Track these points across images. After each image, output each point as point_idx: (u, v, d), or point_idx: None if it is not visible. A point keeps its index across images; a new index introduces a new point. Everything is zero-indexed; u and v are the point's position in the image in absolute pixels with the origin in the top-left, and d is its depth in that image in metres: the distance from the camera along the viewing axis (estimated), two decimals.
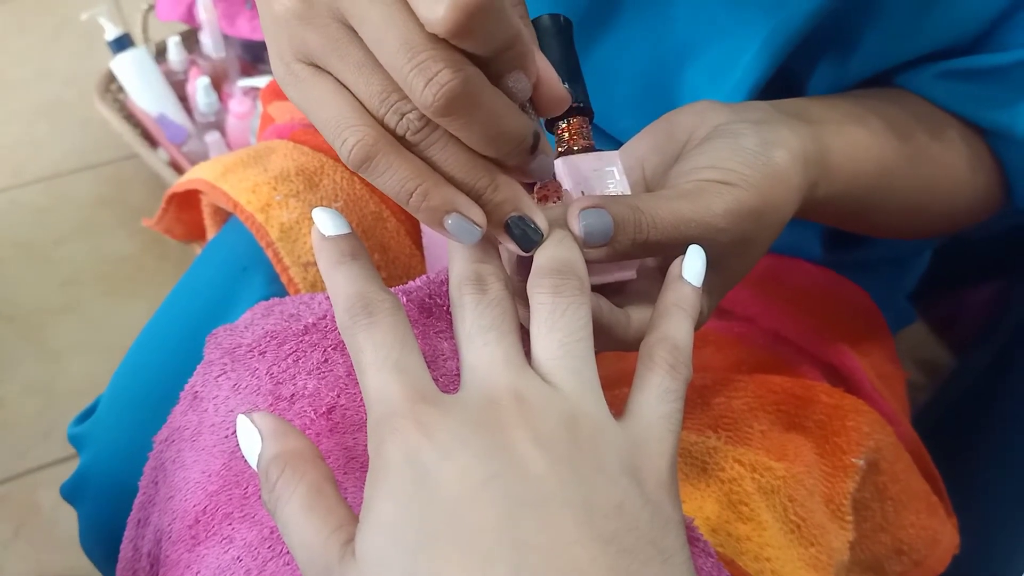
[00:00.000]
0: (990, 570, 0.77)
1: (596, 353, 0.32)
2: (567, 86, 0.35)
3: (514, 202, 0.32)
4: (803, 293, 0.58)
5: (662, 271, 0.35)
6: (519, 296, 0.34)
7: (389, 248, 0.55)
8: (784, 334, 0.56)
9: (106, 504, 0.47)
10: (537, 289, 0.31)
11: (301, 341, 0.36)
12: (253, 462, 0.29)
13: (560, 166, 0.37)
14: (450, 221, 0.31)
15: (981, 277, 1.04)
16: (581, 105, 0.38)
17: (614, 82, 0.51)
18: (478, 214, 0.31)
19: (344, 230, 0.32)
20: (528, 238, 0.32)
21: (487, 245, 0.33)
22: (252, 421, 0.29)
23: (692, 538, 0.40)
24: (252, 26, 1.27)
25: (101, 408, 0.52)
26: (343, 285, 0.30)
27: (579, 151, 0.38)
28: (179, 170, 1.26)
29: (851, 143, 0.43)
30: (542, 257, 0.32)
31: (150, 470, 0.39)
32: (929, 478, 0.59)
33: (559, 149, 0.39)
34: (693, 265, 0.34)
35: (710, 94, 0.50)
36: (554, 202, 0.35)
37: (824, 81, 0.50)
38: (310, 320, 0.36)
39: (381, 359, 0.28)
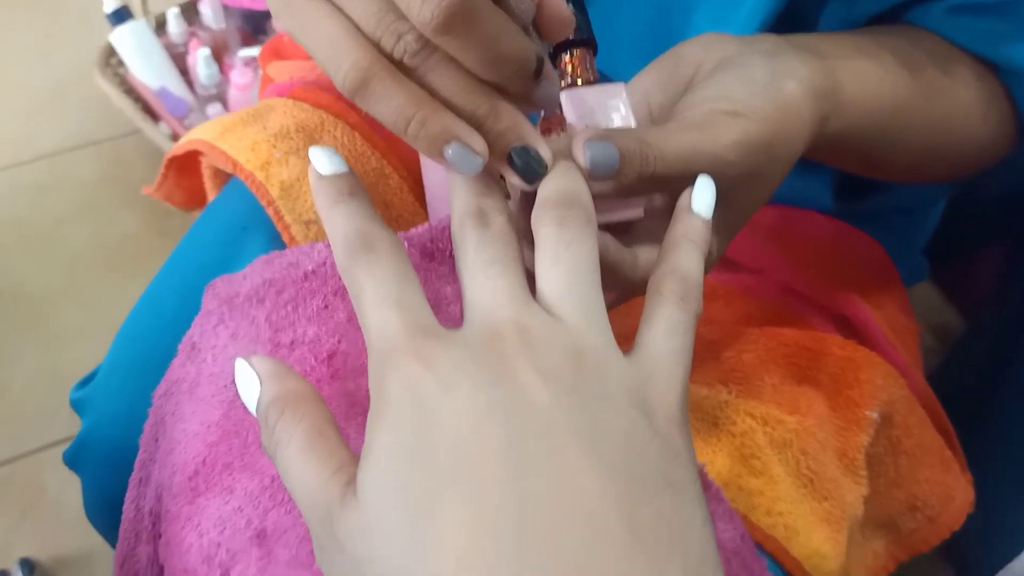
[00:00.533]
0: (1004, 533, 0.76)
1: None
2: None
3: (516, 131, 0.31)
4: (814, 244, 0.57)
5: (670, 211, 0.34)
6: (524, 236, 0.33)
7: (392, 205, 0.54)
8: (795, 286, 0.55)
9: (109, 468, 0.47)
10: (541, 221, 0.30)
11: (300, 288, 0.35)
12: (252, 406, 0.28)
13: (564, 99, 0.36)
14: (450, 150, 0.30)
15: (992, 239, 1.03)
16: (585, 37, 0.37)
17: (619, 30, 0.50)
18: (479, 142, 0.30)
19: (341, 168, 0.31)
20: (532, 169, 0.31)
21: (489, 181, 0.32)
22: (250, 365, 0.28)
23: (704, 482, 0.39)
24: None
25: (102, 372, 0.51)
26: (341, 223, 0.29)
27: (583, 84, 0.37)
28: None
29: (863, 78, 0.42)
30: (546, 189, 0.31)
31: (150, 427, 0.38)
32: (943, 433, 0.58)
33: (563, 82, 0.38)
34: (703, 196, 0.33)
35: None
36: (558, 134, 0.34)
37: (832, 21, 0.48)
38: (309, 267, 0.36)
39: (381, 296, 0.28)
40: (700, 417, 0.46)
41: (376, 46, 0.29)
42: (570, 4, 0.36)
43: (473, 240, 0.30)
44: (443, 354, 0.26)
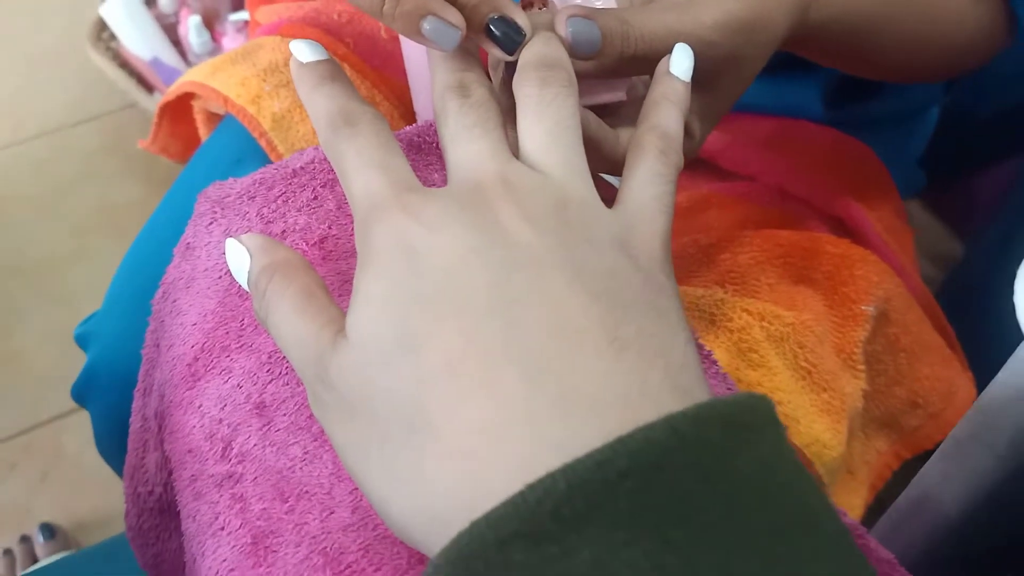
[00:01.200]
0: None
1: None
2: None
3: (491, 3, 0.31)
4: (807, 150, 0.57)
5: None
6: (507, 113, 0.33)
7: None
8: (789, 190, 0.55)
9: (116, 397, 0.48)
10: (523, 83, 0.31)
11: (290, 183, 0.36)
12: (243, 280, 0.29)
13: None
14: (427, 25, 0.30)
15: (990, 158, 1.02)
16: None
17: None
18: (454, 15, 0.30)
19: (322, 55, 0.32)
20: (510, 38, 0.31)
21: (468, 56, 0.32)
22: (240, 241, 0.29)
23: (702, 355, 0.39)
24: None
25: (104, 305, 0.52)
26: (323, 103, 0.30)
27: None
28: None
29: None
30: (528, 54, 0.31)
31: (151, 334, 0.39)
32: (942, 332, 0.58)
33: None
34: (681, 62, 0.34)
35: None
36: (539, 8, 0.34)
37: None
38: (299, 164, 0.36)
39: (364, 160, 0.28)
40: (697, 316, 0.47)
41: None
42: None
43: (454, 108, 0.30)
44: (429, 204, 0.27)
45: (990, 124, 0.91)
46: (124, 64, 1.30)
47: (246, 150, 0.53)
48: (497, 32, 0.31)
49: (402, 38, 0.54)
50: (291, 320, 0.27)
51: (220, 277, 0.35)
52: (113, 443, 0.52)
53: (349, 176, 0.28)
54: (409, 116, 0.56)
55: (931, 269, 1.19)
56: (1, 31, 1.52)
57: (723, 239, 0.52)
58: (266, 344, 0.33)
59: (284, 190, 0.35)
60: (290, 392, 0.31)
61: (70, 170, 1.32)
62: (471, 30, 0.31)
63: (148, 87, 1.28)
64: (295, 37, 0.57)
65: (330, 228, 0.34)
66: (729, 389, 0.39)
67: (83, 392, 0.51)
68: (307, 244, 0.34)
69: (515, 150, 0.31)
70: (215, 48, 1.26)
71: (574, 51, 0.33)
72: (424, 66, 0.53)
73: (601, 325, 0.24)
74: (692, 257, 0.51)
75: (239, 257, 0.29)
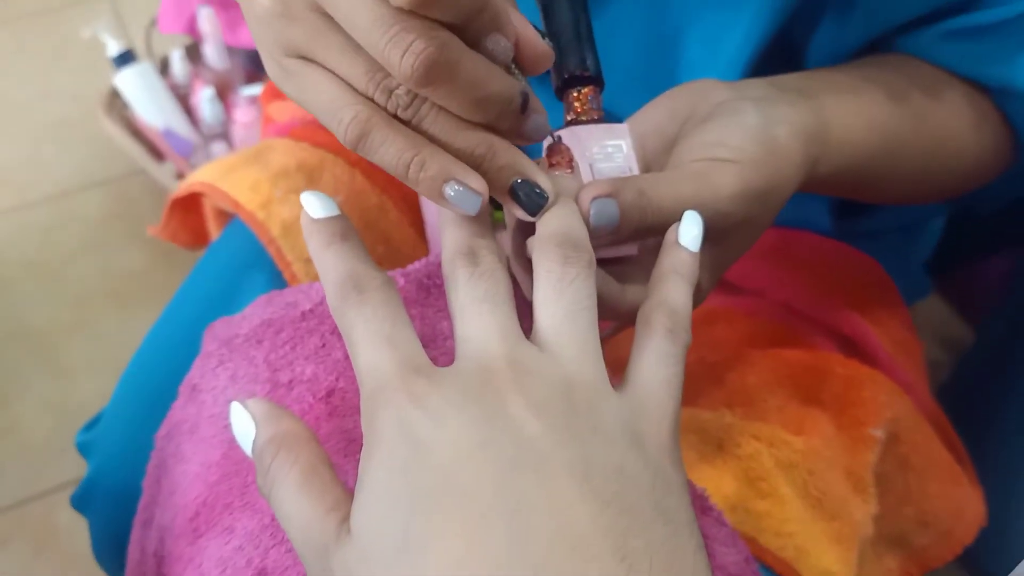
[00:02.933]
0: (1017, 544, 0.75)
1: None
2: (580, 54, 0.36)
3: (515, 167, 0.32)
4: (812, 265, 0.57)
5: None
6: (518, 259, 0.34)
7: (392, 240, 0.55)
8: (795, 306, 0.55)
9: (115, 510, 0.47)
10: (545, 256, 0.31)
11: (298, 328, 0.36)
12: (247, 448, 0.28)
13: (568, 136, 0.37)
14: (449, 190, 0.30)
15: (996, 249, 1.03)
16: (591, 74, 0.38)
17: (613, 57, 0.51)
18: (477, 181, 0.31)
19: (333, 212, 0.32)
20: (534, 201, 0.32)
21: (480, 220, 0.33)
22: (245, 407, 0.28)
23: (705, 507, 0.39)
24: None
25: (106, 415, 0.52)
26: (333, 266, 0.30)
27: (588, 121, 0.38)
28: None
29: (851, 116, 0.43)
30: (552, 224, 0.32)
31: (152, 468, 0.39)
32: (951, 447, 0.58)
33: (568, 118, 0.39)
34: (689, 231, 0.34)
35: (709, 66, 0.49)
36: (566, 171, 0.35)
37: (823, 49, 0.49)
38: (307, 307, 0.36)
39: (372, 333, 0.28)
40: (705, 440, 0.46)
41: (370, 100, 0.30)
42: (582, 42, 0.37)
43: (463, 277, 0.30)
44: (434, 391, 0.26)
45: (994, 218, 0.91)
46: (136, 133, 1.31)
47: (255, 256, 0.53)
48: (521, 195, 0.32)
49: None
50: (295, 500, 0.26)
51: (225, 427, 0.34)
52: (110, 553, 0.51)
53: (357, 349, 0.28)
54: (418, 223, 0.56)
55: (939, 352, 1.18)
56: (12, 97, 1.54)
57: (731, 358, 0.51)
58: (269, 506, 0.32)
59: (292, 335, 0.35)
60: (292, 560, 0.31)
61: (75, 237, 1.33)
62: (496, 191, 0.32)
63: (159, 155, 1.29)
64: (307, 140, 0.58)
65: (337, 380, 0.34)
66: (732, 539, 0.38)
67: (83, 501, 0.51)
68: (314, 398, 0.34)
69: (526, 299, 0.31)
70: (227, 120, 1.28)
71: (594, 233, 0.33)
72: None
73: (608, 538, 0.24)
74: (700, 376, 0.51)
75: (244, 423, 0.28)
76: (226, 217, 0.62)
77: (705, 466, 0.45)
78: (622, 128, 0.38)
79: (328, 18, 0.30)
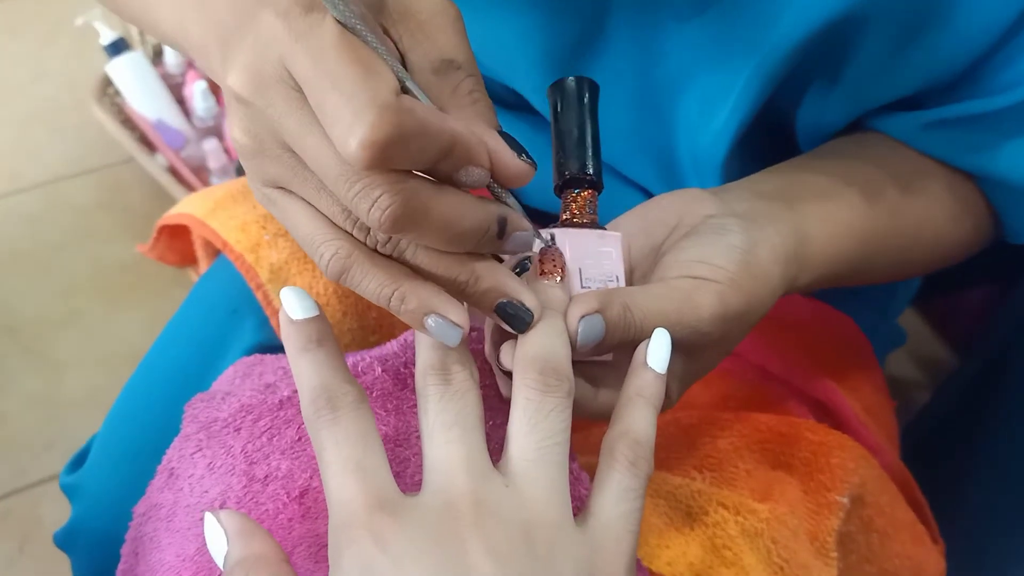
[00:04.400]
0: (997, 560, 0.78)
1: None
2: (582, 157, 0.37)
3: (499, 289, 0.32)
4: (790, 326, 0.59)
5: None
6: (495, 360, 0.35)
7: None
8: (771, 369, 0.57)
9: (97, 553, 0.48)
10: (525, 382, 0.32)
11: (276, 417, 0.36)
12: (219, 561, 0.29)
13: (562, 237, 0.38)
14: (431, 322, 0.31)
15: (978, 279, 1.04)
16: (592, 178, 0.39)
17: (607, 109, 0.51)
18: (457, 313, 0.31)
19: (311, 312, 0.33)
20: (520, 320, 0.33)
21: None
22: (219, 521, 0.29)
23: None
24: None
25: (92, 458, 0.52)
26: (307, 375, 0.31)
27: (583, 225, 0.39)
28: (177, 176, 1.26)
29: (831, 224, 0.45)
30: (535, 346, 0.33)
31: (131, 540, 0.39)
32: (915, 506, 0.59)
33: (563, 217, 0.40)
34: (658, 352, 0.35)
35: (702, 126, 0.50)
36: (557, 279, 0.35)
37: (808, 124, 0.50)
38: (285, 393, 0.37)
39: (343, 459, 0.29)
40: (674, 506, 0.48)
41: (350, 235, 0.31)
42: (586, 146, 0.38)
43: (434, 398, 0.31)
44: (398, 534, 0.27)
45: (975, 256, 0.93)
46: (126, 121, 1.30)
47: (243, 300, 0.53)
48: (506, 315, 0.33)
49: None
50: None
51: (200, 519, 0.35)
52: None
53: (327, 473, 0.29)
54: None
55: (917, 373, 1.20)
56: (3, 81, 1.52)
57: (704, 421, 0.53)
58: None
59: (269, 425, 0.36)
60: None
61: (64, 226, 1.32)
62: (483, 310, 0.33)
63: (150, 146, 1.29)
64: None
65: (311, 479, 0.35)
66: None
67: (67, 542, 0.52)
68: (288, 496, 0.35)
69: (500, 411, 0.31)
70: (219, 113, 1.27)
71: (579, 349, 0.34)
72: None
73: None
74: (673, 438, 0.52)
75: (217, 538, 0.29)
76: (213, 246, 0.63)
77: (673, 532, 0.47)
78: (615, 236, 0.39)
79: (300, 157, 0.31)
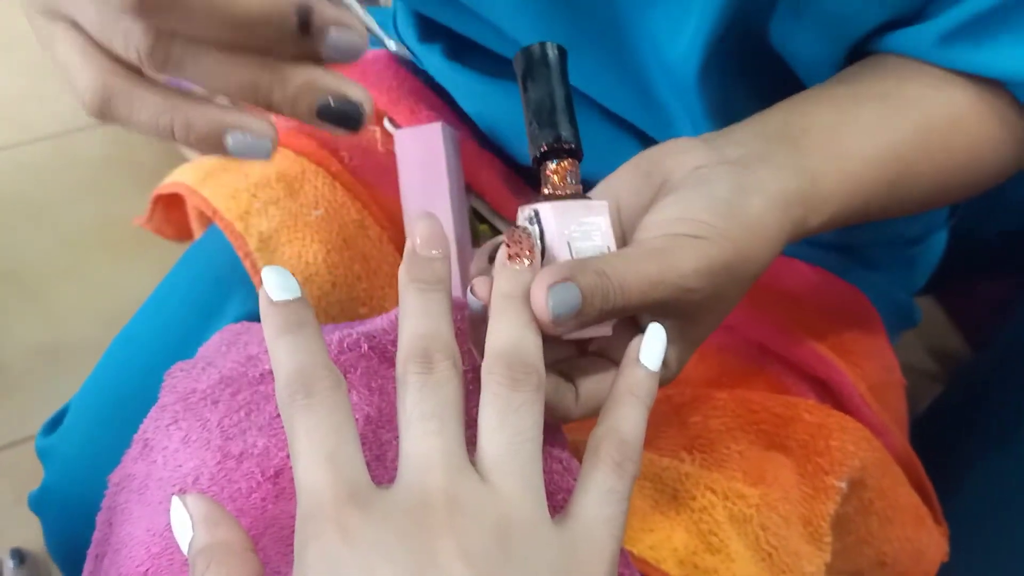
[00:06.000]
0: (1007, 552, 0.77)
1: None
2: (556, 127, 0.34)
3: (313, 85, 0.27)
4: (793, 299, 0.56)
5: (629, 329, 0.35)
6: (479, 348, 0.33)
7: (371, 257, 0.54)
8: (769, 345, 0.55)
9: (69, 517, 0.48)
10: (493, 376, 0.30)
11: (255, 392, 0.35)
12: (184, 547, 0.29)
13: (546, 212, 0.36)
14: (230, 142, 0.27)
15: (1000, 272, 1.02)
16: (571, 146, 0.37)
17: (581, 45, 0.48)
18: (257, 124, 0.27)
19: (293, 293, 0.31)
20: (349, 117, 0.28)
21: (439, 313, 0.32)
22: (185, 505, 0.28)
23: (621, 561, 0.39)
24: None
25: (68, 422, 0.52)
26: (285, 358, 0.30)
27: (566, 196, 0.37)
28: None
29: (843, 156, 0.41)
30: (502, 337, 0.31)
31: (105, 509, 0.39)
32: (920, 488, 0.58)
33: (545, 191, 0.38)
34: (652, 348, 0.33)
35: (669, 42, 0.47)
36: (524, 262, 0.33)
37: (787, 42, 0.46)
38: (267, 367, 0.36)
39: (315, 447, 0.28)
40: (660, 489, 0.47)
41: (115, 58, 0.27)
42: (558, 114, 0.36)
43: (414, 387, 0.30)
44: (366, 527, 0.26)
45: (996, 244, 0.91)
46: None
47: (231, 268, 0.52)
48: (331, 117, 0.28)
49: (398, 154, 0.53)
50: None
51: (172, 495, 0.34)
52: (62, 553, 0.52)
53: (298, 461, 0.28)
54: (399, 240, 0.56)
55: (931, 363, 1.18)
56: (8, 32, 1.51)
57: (697, 399, 0.51)
58: None
59: (248, 399, 0.35)
60: None
61: (71, 178, 1.32)
62: (303, 120, 0.28)
63: None
64: (289, 146, 0.57)
65: (287, 458, 0.34)
66: None
67: (39, 505, 0.52)
68: (263, 476, 0.34)
69: None
70: None
71: (555, 321, 0.32)
72: (417, 189, 0.53)
73: None
74: (664, 416, 0.51)
75: (183, 523, 0.28)
76: (207, 216, 0.62)
77: (658, 516, 0.45)
78: (601, 205, 0.37)
79: None
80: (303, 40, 0.26)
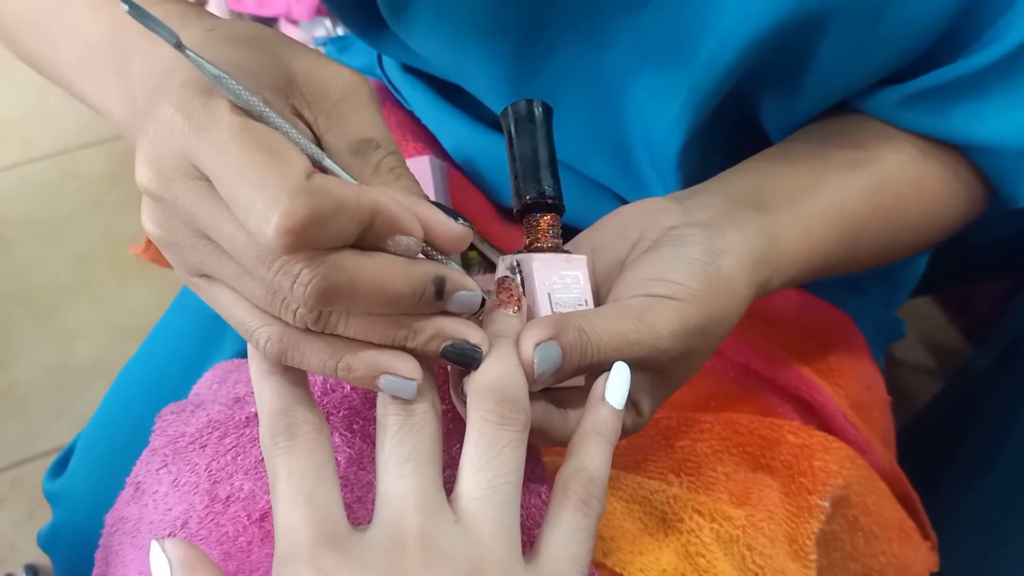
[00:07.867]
0: (1005, 553, 0.77)
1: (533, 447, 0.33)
2: (540, 181, 0.36)
3: (442, 334, 0.32)
4: (776, 322, 0.57)
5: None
6: (458, 394, 0.34)
7: None
8: (755, 368, 0.56)
9: (78, 555, 0.49)
10: (480, 413, 0.31)
11: (242, 435, 0.37)
12: None
13: (528, 263, 0.37)
14: (383, 383, 0.31)
15: (991, 274, 1.02)
16: (553, 201, 0.39)
17: (559, 110, 0.50)
18: (405, 368, 0.31)
19: None
20: (469, 357, 0.32)
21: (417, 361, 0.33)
22: (163, 550, 0.30)
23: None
24: (258, 1, 1.26)
25: (73, 463, 0.53)
26: (268, 399, 0.31)
27: (547, 249, 0.38)
28: None
29: (804, 219, 0.43)
30: (490, 376, 0.32)
31: (103, 548, 0.40)
32: (907, 502, 0.59)
33: (526, 241, 0.39)
34: (616, 387, 0.34)
35: (654, 119, 0.49)
36: (513, 309, 0.35)
37: (775, 114, 0.48)
38: (253, 410, 0.37)
39: (294, 489, 0.29)
40: (648, 511, 0.48)
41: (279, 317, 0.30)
42: (542, 169, 0.38)
43: (392, 428, 0.31)
44: (341, 569, 0.27)
45: (987, 249, 0.91)
46: None
47: None
48: (454, 357, 0.32)
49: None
50: None
51: (163, 537, 0.35)
52: None
53: (278, 502, 0.29)
54: None
55: (931, 360, 1.19)
56: (10, 53, 1.52)
57: (683, 423, 0.52)
58: None
59: (235, 443, 0.36)
60: None
61: (76, 196, 1.33)
62: (432, 359, 0.32)
63: None
64: None
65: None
66: None
67: (49, 544, 0.53)
68: (248, 519, 0.35)
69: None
70: None
71: (537, 378, 0.34)
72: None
73: None
74: (652, 439, 0.52)
75: (160, 567, 0.29)
76: None
77: (647, 538, 0.46)
78: (580, 259, 0.39)
79: (216, 244, 0.30)
80: (434, 305, 0.31)
